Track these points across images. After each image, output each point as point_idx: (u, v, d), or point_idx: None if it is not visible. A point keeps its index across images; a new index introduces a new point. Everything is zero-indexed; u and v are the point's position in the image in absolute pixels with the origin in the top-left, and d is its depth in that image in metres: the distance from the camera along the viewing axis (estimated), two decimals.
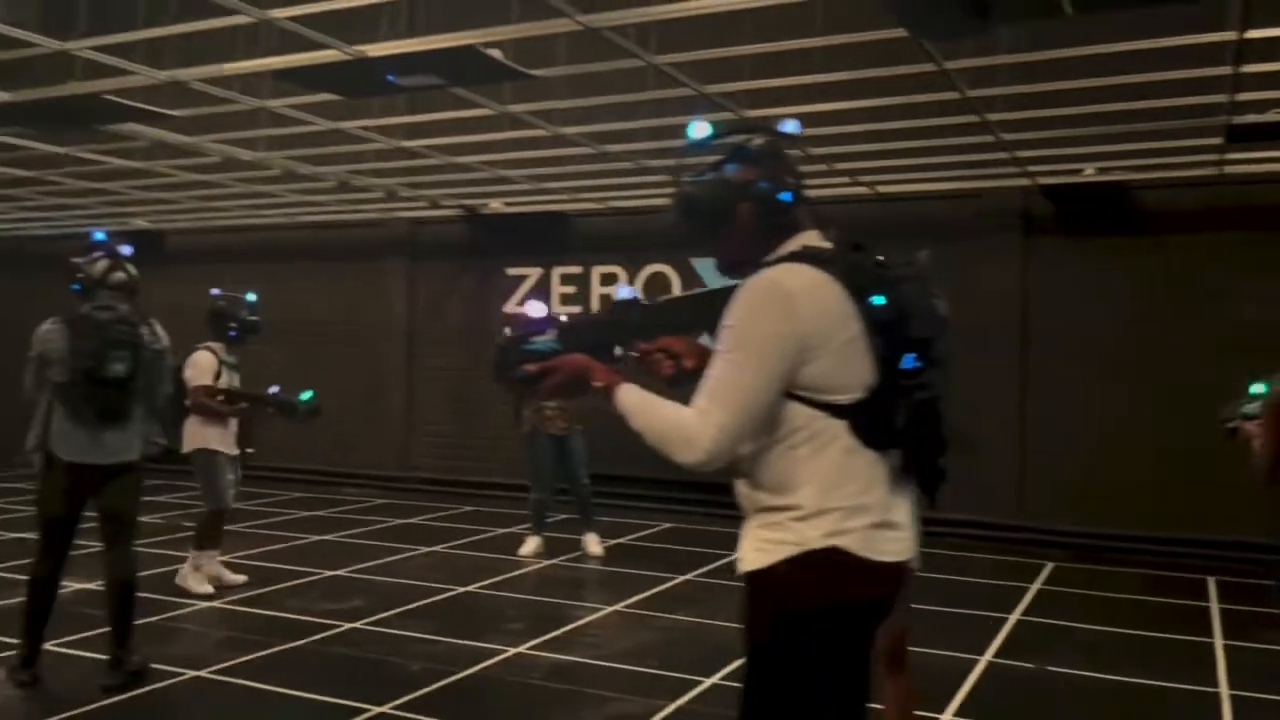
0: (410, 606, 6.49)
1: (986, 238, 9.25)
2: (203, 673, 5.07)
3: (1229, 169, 8.08)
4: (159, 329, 4.94)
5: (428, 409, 11.93)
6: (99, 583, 5.06)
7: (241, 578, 7.02)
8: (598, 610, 6.52)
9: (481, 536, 9.01)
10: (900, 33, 5.27)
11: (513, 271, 11.51)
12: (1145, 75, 6.03)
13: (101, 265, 4.83)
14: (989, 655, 5.67)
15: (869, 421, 2.13)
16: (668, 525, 9.64)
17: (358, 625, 6.04)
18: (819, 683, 2.15)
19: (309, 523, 9.60)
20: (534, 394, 2.37)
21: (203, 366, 6.79)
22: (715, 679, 5.14)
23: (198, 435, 6.77)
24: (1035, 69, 6.39)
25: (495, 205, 11.05)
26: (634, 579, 7.41)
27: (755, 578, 2.19)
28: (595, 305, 11.01)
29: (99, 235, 5.03)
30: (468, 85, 6.46)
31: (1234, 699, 4.98)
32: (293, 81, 6.43)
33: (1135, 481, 8.51)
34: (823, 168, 8.42)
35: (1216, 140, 7.16)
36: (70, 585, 5.16)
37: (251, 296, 7.24)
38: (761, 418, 2.12)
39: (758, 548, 2.19)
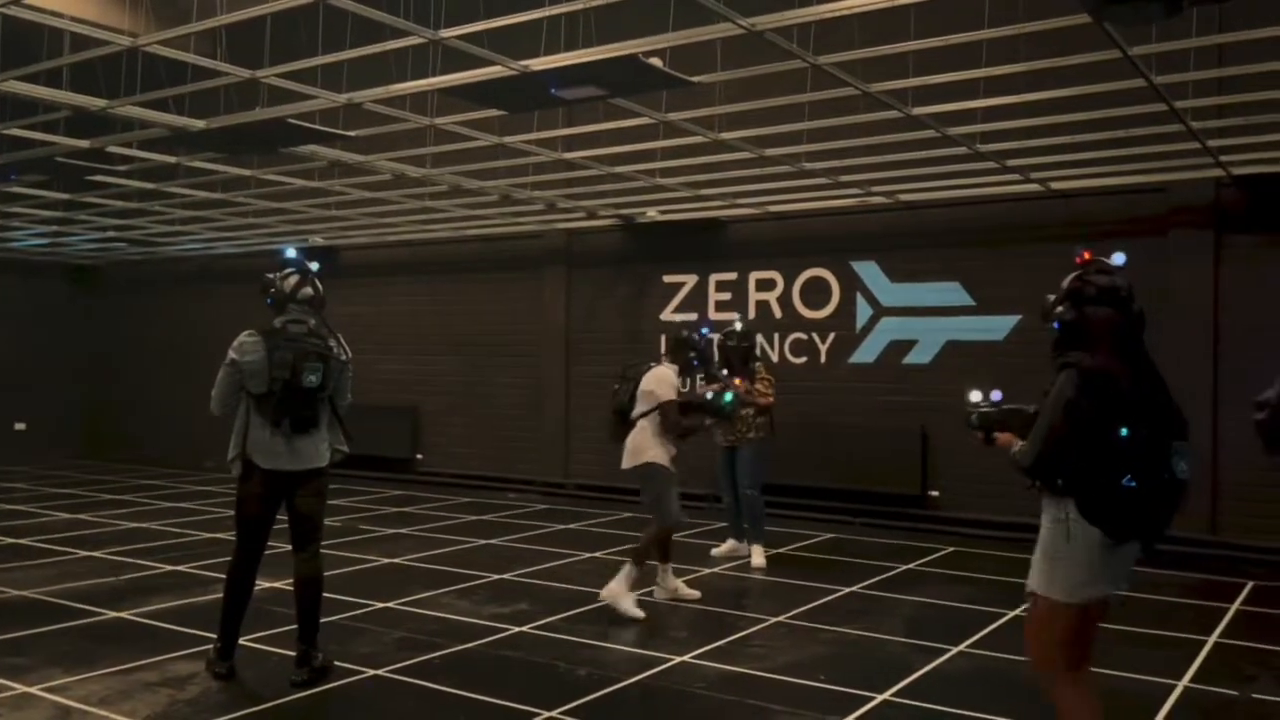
0: (575, 611, 6.56)
1: (1173, 233, 8.67)
2: (381, 671, 5.25)
3: None
4: (343, 341, 5.15)
5: (586, 416, 12.09)
6: (287, 582, 5.31)
7: (695, 593, 6.99)
8: (762, 621, 6.42)
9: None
10: (1072, 20, 4.99)
11: (669, 279, 11.54)
12: None
13: (292, 280, 5.09)
14: (1185, 680, 5.28)
15: None
16: (828, 536, 9.45)
17: (525, 629, 6.14)
18: None
19: (475, 527, 9.87)
20: None
21: (670, 382, 6.73)
22: (887, 695, 4.98)
23: (650, 450, 6.63)
24: (1227, 51, 5.97)
25: (651, 214, 11.12)
26: (798, 590, 7.28)
27: None
28: (751, 311, 10.92)
29: (290, 252, 5.29)
30: (628, 95, 6.50)
31: None
32: (460, 98, 6.63)
33: None
34: (991, 164, 8.09)
35: None
36: (261, 584, 5.44)
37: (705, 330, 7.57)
38: None
39: None
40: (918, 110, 6.65)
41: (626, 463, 6.70)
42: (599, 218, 11.35)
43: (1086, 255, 3.52)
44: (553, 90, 6.15)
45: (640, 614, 6.39)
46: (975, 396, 3.72)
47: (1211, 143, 7.28)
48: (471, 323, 12.91)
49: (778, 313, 10.71)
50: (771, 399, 8.08)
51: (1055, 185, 8.86)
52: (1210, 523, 8.47)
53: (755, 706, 4.89)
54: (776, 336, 10.73)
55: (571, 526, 9.95)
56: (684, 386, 7.11)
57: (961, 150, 7.62)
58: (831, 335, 10.38)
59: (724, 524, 8.72)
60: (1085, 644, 3.49)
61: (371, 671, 5.25)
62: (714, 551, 8.47)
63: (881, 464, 9.75)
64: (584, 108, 7.26)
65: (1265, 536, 8.18)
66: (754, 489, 8.14)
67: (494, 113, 7.01)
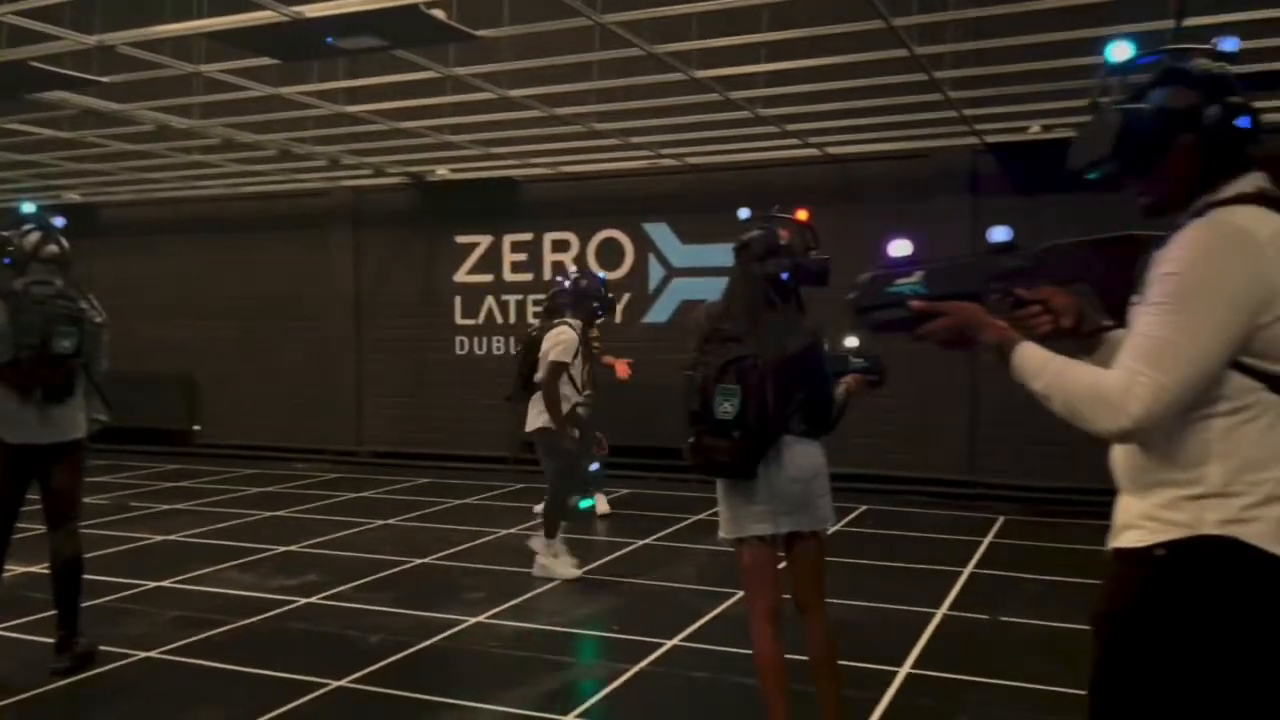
0: (366, 580, 6.42)
1: (936, 198, 9.29)
2: (153, 653, 4.96)
3: None
4: (95, 302, 4.78)
5: (379, 381, 11.78)
6: (44, 565, 4.92)
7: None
8: (558, 577, 6.49)
9: (438, 509, 8.94)
10: None
11: (461, 239, 11.36)
12: (1091, 30, 6.07)
13: (34, 238, 4.66)
14: (944, 609, 5.75)
15: None
16: (625, 491, 9.64)
17: (313, 600, 5.95)
18: (1182, 691, 1.82)
19: (259, 499, 9.45)
20: (913, 336, 2.12)
21: (565, 343, 6.28)
22: (676, 640, 5.16)
23: (545, 415, 6.29)
24: (982, 25, 6.41)
25: (442, 172, 10.88)
26: (595, 545, 7.41)
27: (1126, 557, 1.90)
28: (547, 273, 10.93)
29: (27, 207, 4.84)
30: (411, 48, 6.30)
31: None
32: (227, 44, 6.23)
33: (1082, 437, 8.65)
34: (773, 129, 8.38)
35: None
36: (14, 569, 5.01)
37: (603, 274, 7.25)
38: (1204, 385, 1.78)
39: (1137, 524, 1.89)
40: (701, 74, 6.79)
41: (528, 426, 6.54)
42: (386, 175, 11.00)
43: (805, 214, 3.79)
44: (329, 40, 5.87)
45: (577, 573, 6.41)
46: (851, 343, 3.93)
47: (967, 111, 7.83)
48: (252, 285, 12.25)
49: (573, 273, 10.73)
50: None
51: (831, 150, 9.29)
52: (969, 464, 9.22)
53: (550, 660, 4.95)
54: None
55: (365, 495, 9.69)
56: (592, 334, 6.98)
57: (744, 114, 7.85)
58: (626, 295, 10.53)
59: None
60: (768, 584, 3.59)
61: (143, 654, 4.95)
62: (536, 509, 8.43)
63: (674, 421, 9.99)
64: (368, 59, 6.97)
65: (1015, 475, 8.98)
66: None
67: (270, 61, 6.63)
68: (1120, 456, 1.97)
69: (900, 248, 2.18)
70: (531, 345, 6.63)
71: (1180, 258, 1.81)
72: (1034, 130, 8.62)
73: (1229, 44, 1.94)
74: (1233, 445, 1.81)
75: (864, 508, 8.59)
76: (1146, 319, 1.83)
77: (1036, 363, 1.95)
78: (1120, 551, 1.92)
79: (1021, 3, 5.98)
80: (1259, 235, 1.79)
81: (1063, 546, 7.37)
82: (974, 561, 6.87)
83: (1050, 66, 6.69)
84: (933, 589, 6.10)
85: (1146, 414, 1.77)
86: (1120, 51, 2.01)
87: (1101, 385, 1.83)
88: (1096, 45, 6.26)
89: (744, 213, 3.85)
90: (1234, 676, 1.80)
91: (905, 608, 5.74)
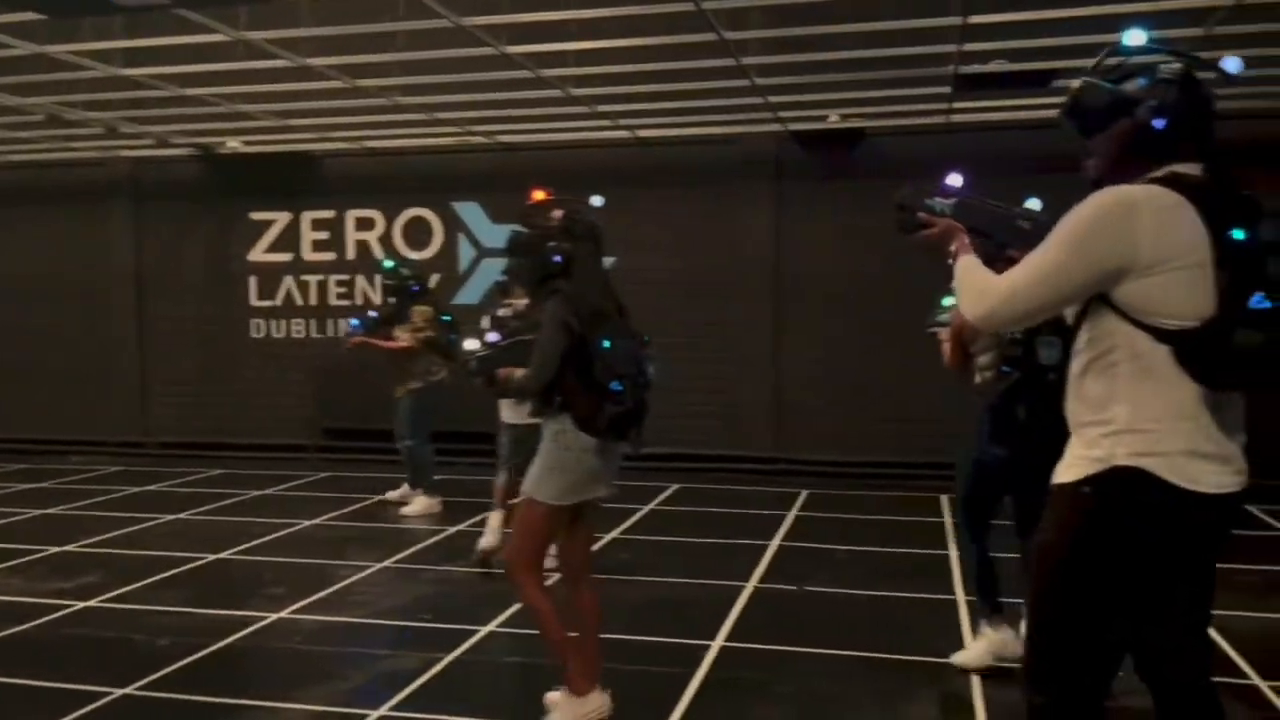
0: (155, 579, 5.97)
1: (742, 183, 9.52)
2: None
3: (956, 117, 8.69)
4: None
5: (167, 367, 11.00)
6: None
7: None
8: (366, 568, 6.25)
9: (233, 501, 8.45)
10: None
11: (256, 216, 10.75)
12: (885, 23, 6.34)
13: None
14: (754, 581, 5.91)
15: (1196, 353, 2.12)
16: (437, 477, 9.40)
17: (93, 603, 5.49)
18: (1107, 603, 2.24)
19: (28, 496, 8.64)
20: (913, 239, 2.65)
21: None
22: (491, 626, 5.07)
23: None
24: (787, 12, 6.57)
25: (233, 144, 10.24)
26: (403, 533, 7.19)
27: (1060, 491, 2.29)
28: (350, 252, 10.51)
29: None
30: (201, 9, 5.86)
31: (969, 603, 5.44)
32: None
33: (879, 414, 9.13)
34: (584, 109, 8.34)
35: (945, 89, 7.66)
36: None
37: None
38: (1051, 304, 2.26)
39: (1070, 462, 2.28)
40: (512, 49, 6.66)
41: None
42: (172, 146, 10.24)
43: (540, 195, 3.94)
44: None
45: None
46: (472, 345, 4.04)
47: (772, 99, 8.04)
48: (19, 263, 11.16)
49: (379, 253, 10.36)
50: (406, 343, 7.76)
51: (641, 133, 9.35)
52: (773, 440, 9.54)
53: (357, 654, 4.76)
54: (378, 279, 10.38)
55: (151, 488, 9.04)
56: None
57: (556, 93, 7.77)
58: (435, 276, 10.26)
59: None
60: (572, 547, 3.91)
61: None
62: (388, 495, 8.32)
63: (488, 405, 9.81)
64: (150, 19, 6.43)
65: (817, 450, 9.36)
66: (413, 439, 7.88)
67: (33, 16, 6.00)
68: (1067, 406, 2.35)
69: (954, 179, 2.76)
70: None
71: (1071, 213, 2.23)
72: (833, 119, 8.97)
73: (1231, 64, 2.38)
74: (1133, 389, 2.18)
75: (675, 486, 8.74)
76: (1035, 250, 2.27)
77: (965, 264, 2.44)
78: (1058, 485, 2.31)
79: None
80: (1139, 203, 2.15)
81: (860, 517, 7.74)
82: (780, 535, 7.11)
83: (849, 57, 6.94)
84: (742, 563, 6.26)
85: (995, 309, 2.29)
86: (1134, 38, 2.38)
87: (983, 283, 2.35)
88: (895, 37, 6.57)
89: (598, 200, 4.04)
90: (1138, 578, 2.22)
91: (717, 582, 5.86)
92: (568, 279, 3.71)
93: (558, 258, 3.70)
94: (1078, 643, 2.28)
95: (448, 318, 7.99)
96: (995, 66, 6.99)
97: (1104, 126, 2.28)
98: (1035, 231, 2.52)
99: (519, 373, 3.81)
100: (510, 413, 6.22)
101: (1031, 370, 3.76)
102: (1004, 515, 4.23)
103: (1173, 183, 2.17)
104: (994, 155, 8.81)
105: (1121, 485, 2.18)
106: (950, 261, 2.50)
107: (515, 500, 4.27)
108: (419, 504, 7.91)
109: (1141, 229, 2.12)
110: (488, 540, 6.17)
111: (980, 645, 4.41)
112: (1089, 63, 6.93)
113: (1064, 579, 2.28)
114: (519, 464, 6.11)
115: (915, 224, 2.64)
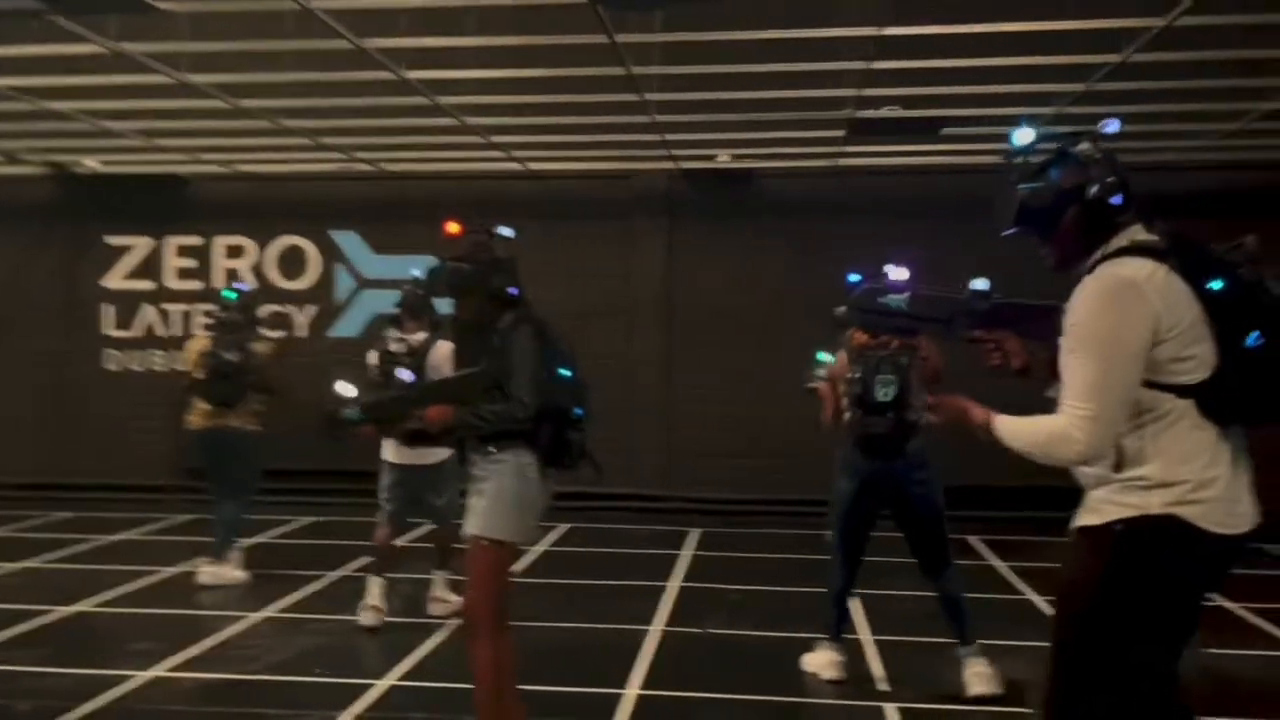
0: (7, 635, 5.39)
1: (634, 219, 9.49)
2: None
3: (844, 161, 8.89)
4: None
5: (8, 401, 10.12)
6: None
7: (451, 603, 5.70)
8: (243, 619, 5.81)
9: (87, 547, 7.78)
10: None
11: (114, 241, 10.10)
12: (790, 64, 6.39)
13: None
14: (660, 625, 5.77)
15: (1214, 399, 2.28)
16: (309, 520, 8.93)
17: None
18: (1136, 636, 2.32)
19: None
20: (936, 426, 2.68)
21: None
22: (391, 680, 4.76)
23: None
24: (691, 50, 6.55)
25: (91, 163, 9.58)
26: (281, 581, 6.73)
27: (1087, 533, 2.37)
28: (219, 281, 9.95)
29: None
30: (74, 15, 5.43)
31: (877, 643, 5.43)
32: None
33: (770, 450, 9.16)
34: (477, 139, 8.15)
35: (839, 133, 7.82)
36: None
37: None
38: (1127, 406, 2.28)
39: (1096, 508, 2.36)
40: (411, 74, 6.43)
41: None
42: (21, 163, 9.50)
43: (456, 228, 3.84)
44: None
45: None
46: (348, 390, 3.74)
47: (669, 136, 8.04)
48: None
49: (250, 283, 9.82)
50: None
51: (533, 166, 9.21)
52: (665, 478, 9.46)
53: (248, 714, 4.38)
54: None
55: None
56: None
57: (450, 121, 7.56)
58: (311, 308, 9.81)
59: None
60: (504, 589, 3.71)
61: None
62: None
63: (368, 441, 9.39)
64: (9, 24, 5.91)
65: (707, 488, 9.33)
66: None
67: None
68: (1085, 469, 2.41)
69: (899, 272, 2.86)
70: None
71: (1081, 309, 2.33)
72: (723, 159, 9.05)
73: (1112, 126, 2.52)
74: (1163, 445, 2.30)
75: (567, 526, 8.53)
76: (1069, 365, 2.34)
77: (1010, 429, 2.46)
78: (1084, 529, 2.39)
79: (726, 31, 6.15)
80: (1139, 281, 2.29)
81: (753, 556, 7.70)
82: (679, 575, 7.00)
83: (751, 98, 6.99)
84: (642, 605, 6.11)
85: (1091, 439, 2.30)
86: (1023, 137, 2.52)
87: (1055, 429, 2.35)
88: (798, 79, 6.63)
89: (508, 230, 3.86)
90: (1168, 617, 2.34)
91: (620, 626, 5.70)
92: (524, 309, 3.65)
93: (514, 290, 3.63)
94: (1106, 675, 2.35)
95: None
96: (888, 112, 7.18)
97: (1057, 221, 2.43)
98: (991, 312, 2.63)
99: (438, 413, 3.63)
100: (395, 451, 5.72)
101: (870, 408, 4.30)
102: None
103: (1144, 252, 2.35)
104: (883, 199, 9.10)
105: (1154, 528, 2.29)
106: (984, 437, 2.51)
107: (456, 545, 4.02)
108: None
109: (1152, 303, 2.27)
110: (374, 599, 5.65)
111: (825, 655, 4.78)
112: (977, 113, 7.16)
113: (1094, 614, 2.35)
114: (398, 510, 5.80)
115: (881, 326, 2.76)
